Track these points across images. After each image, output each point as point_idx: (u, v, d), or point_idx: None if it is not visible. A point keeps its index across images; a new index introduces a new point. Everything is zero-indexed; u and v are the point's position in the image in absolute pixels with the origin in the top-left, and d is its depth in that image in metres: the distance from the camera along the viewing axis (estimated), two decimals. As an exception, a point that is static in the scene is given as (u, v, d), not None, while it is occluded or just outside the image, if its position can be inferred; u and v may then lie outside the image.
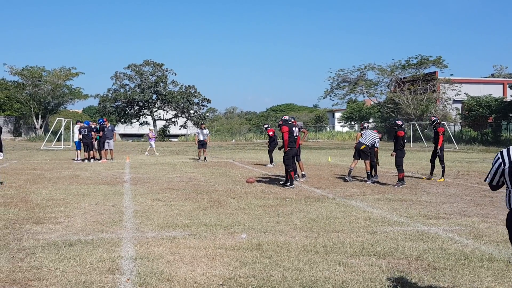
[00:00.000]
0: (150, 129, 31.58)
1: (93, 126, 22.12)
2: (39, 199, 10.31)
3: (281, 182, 13.25)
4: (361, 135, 14.62)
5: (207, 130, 23.75)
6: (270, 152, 20.09)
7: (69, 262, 5.65)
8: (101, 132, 22.05)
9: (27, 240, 6.68)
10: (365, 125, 15.32)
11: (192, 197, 10.80)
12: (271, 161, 20.03)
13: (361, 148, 13.96)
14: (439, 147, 14.77)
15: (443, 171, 14.82)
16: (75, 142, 23.06)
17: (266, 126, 23.69)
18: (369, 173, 14.03)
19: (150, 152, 28.36)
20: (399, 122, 13.88)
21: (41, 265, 5.52)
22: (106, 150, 22.87)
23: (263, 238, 6.92)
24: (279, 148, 13.91)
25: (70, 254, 5.98)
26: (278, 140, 18.80)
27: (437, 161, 15.05)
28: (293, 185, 12.62)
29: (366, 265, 5.64)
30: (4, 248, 6.27)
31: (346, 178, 14.21)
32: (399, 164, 13.24)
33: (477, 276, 5.25)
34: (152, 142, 28.60)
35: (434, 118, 15.56)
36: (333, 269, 5.49)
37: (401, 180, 13.17)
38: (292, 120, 13.88)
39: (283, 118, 13.26)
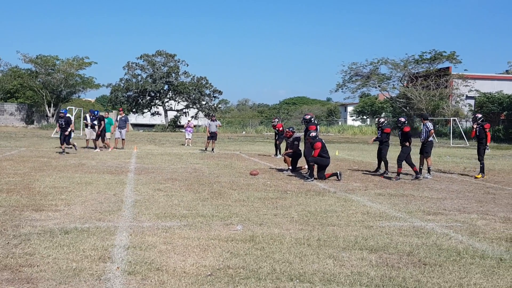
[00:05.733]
0: (188, 120, 31.04)
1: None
2: (42, 187, 10.42)
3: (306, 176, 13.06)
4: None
5: (218, 122, 23.72)
6: (277, 145, 20.53)
7: (62, 249, 5.72)
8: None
9: (24, 227, 6.76)
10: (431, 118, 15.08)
11: (193, 188, 10.85)
12: (276, 154, 20.52)
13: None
14: (488, 144, 14.89)
15: (482, 168, 14.72)
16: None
17: (276, 120, 22.27)
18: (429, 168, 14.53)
19: (187, 142, 28.12)
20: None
21: (34, 252, 5.59)
22: (117, 138, 23.21)
23: (258, 230, 6.94)
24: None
25: (64, 241, 6.05)
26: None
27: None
28: (311, 179, 12.74)
29: (357, 259, 5.64)
30: (0, 234, 6.36)
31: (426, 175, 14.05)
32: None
33: (466, 272, 5.23)
34: (186, 133, 28.56)
35: (480, 115, 15.30)
36: (323, 262, 5.50)
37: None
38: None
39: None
